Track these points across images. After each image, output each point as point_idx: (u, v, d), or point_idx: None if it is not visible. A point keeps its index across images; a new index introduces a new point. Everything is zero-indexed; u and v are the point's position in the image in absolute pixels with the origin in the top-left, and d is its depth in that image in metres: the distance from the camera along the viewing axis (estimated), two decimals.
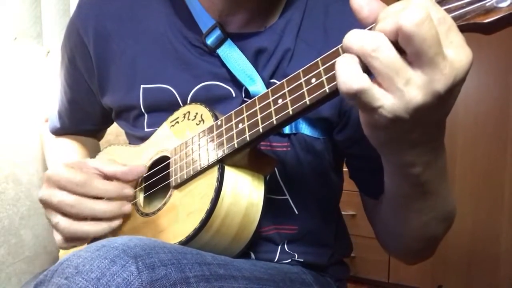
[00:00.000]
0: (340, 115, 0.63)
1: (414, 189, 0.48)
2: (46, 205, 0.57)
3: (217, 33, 0.62)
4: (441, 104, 0.36)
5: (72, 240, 0.58)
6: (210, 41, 0.62)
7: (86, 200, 0.56)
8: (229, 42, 0.62)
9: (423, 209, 0.52)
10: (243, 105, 0.52)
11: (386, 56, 0.34)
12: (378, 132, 0.40)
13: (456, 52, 0.35)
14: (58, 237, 0.58)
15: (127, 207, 0.59)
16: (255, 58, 0.62)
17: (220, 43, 0.62)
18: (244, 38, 0.63)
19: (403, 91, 0.35)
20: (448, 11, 0.37)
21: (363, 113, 0.39)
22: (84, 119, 0.81)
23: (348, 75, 0.35)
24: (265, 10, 0.63)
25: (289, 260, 0.68)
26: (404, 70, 0.35)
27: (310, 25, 0.64)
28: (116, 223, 0.58)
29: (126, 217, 0.63)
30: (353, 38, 0.36)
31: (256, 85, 0.61)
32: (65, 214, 0.56)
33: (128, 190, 0.59)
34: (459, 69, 0.35)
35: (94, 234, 0.56)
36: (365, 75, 0.35)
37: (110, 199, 0.58)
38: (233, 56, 0.62)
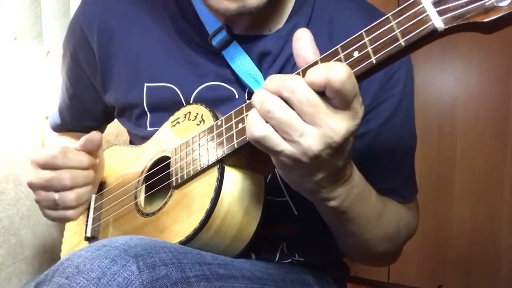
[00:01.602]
0: None
1: (338, 217, 0.53)
2: (32, 187, 0.62)
3: (223, 34, 0.61)
4: (339, 150, 0.41)
5: (57, 206, 0.62)
6: (215, 42, 0.62)
7: (63, 171, 0.61)
8: (234, 44, 0.62)
9: (354, 232, 0.56)
10: (243, 105, 0.52)
11: (279, 116, 0.40)
12: (287, 173, 0.46)
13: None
14: (46, 211, 0.63)
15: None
16: (259, 61, 0.62)
17: (225, 44, 0.62)
18: (250, 41, 0.63)
19: (299, 142, 0.40)
20: (448, 10, 0.37)
21: (271, 156, 0.45)
22: (85, 115, 0.81)
23: (251, 123, 0.42)
24: (271, 14, 0.63)
25: (289, 260, 0.68)
26: (298, 125, 0.40)
27: (316, 32, 0.63)
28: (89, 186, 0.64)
29: (127, 217, 0.64)
30: (255, 98, 0.42)
31: (261, 88, 0.61)
32: (45, 189, 0.61)
33: (90, 160, 0.64)
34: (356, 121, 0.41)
35: (72, 184, 0.61)
36: (267, 125, 0.41)
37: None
38: (238, 58, 0.62)
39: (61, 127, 0.84)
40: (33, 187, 0.62)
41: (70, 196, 0.61)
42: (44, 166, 0.60)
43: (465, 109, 1.69)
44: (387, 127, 0.64)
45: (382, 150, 0.65)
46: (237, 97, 0.63)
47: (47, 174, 0.60)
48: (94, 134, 0.64)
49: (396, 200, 0.66)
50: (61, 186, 0.60)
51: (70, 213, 0.62)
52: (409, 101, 0.67)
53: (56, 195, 0.61)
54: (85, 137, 0.64)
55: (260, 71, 0.62)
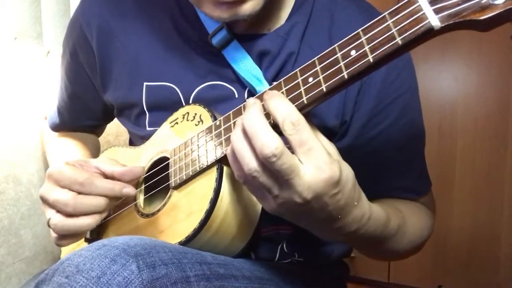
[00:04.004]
0: (341, 124, 0.63)
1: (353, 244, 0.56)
2: (44, 201, 0.58)
3: (223, 33, 0.61)
4: (304, 207, 0.43)
5: (66, 236, 0.58)
6: (215, 41, 0.62)
7: (81, 197, 0.56)
8: (235, 43, 0.62)
9: (370, 250, 0.59)
10: (241, 105, 0.52)
11: (256, 183, 0.43)
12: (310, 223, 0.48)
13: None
14: (53, 234, 0.59)
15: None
16: (259, 60, 0.62)
17: (225, 43, 0.62)
18: (249, 40, 0.63)
19: (283, 199, 0.43)
20: (444, 8, 0.37)
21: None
22: (84, 114, 0.81)
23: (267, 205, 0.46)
24: (272, 13, 0.63)
25: (289, 260, 0.68)
26: (272, 190, 0.43)
27: (315, 31, 0.64)
28: (106, 212, 0.58)
29: (126, 218, 0.64)
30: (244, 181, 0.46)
31: (263, 86, 0.61)
32: (59, 211, 0.56)
33: (128, 190, 0.58)
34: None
35: (86, 228, 0.57)
36: (275, 205, 0.45)
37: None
38: (239, 57, 0.62)
39: (60, 127, 0.84)
40: (43, 200, 0.58)
41: (62, 223, 0.56)
42: (64, 187, 0.56)
43: (465, 109, 1.69)
44: (397, 127, 0.64)
45: (393, 150, 0.65)
46: (236, 96, 0.63)
47: (59, 196, 0.55)
48: (139, 170, 0.61)
49: (412, 197, 0.67)
50: (64, 212, 0.56)
51: (54, 238, 0.59)
52: (416, 99, 0.68)
53: (52, 216, 0.57)
54: (129, 168, 0.59)
55: (260, 69, 0.62)
